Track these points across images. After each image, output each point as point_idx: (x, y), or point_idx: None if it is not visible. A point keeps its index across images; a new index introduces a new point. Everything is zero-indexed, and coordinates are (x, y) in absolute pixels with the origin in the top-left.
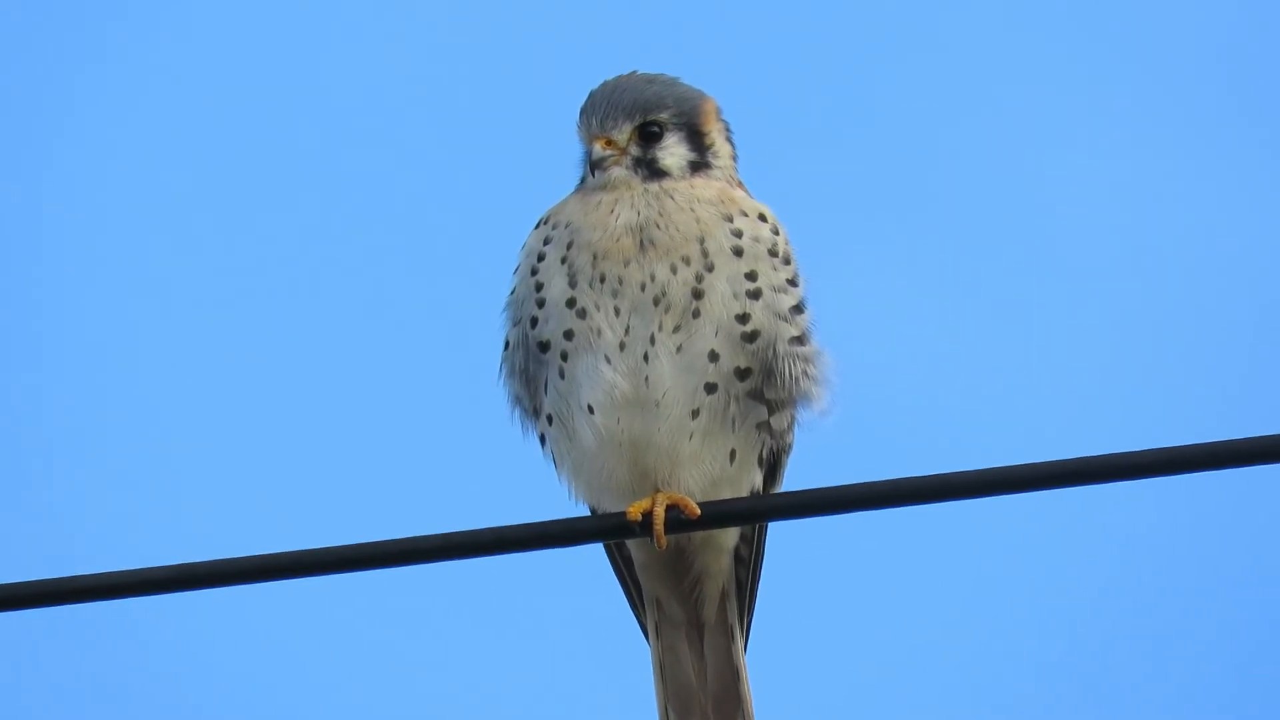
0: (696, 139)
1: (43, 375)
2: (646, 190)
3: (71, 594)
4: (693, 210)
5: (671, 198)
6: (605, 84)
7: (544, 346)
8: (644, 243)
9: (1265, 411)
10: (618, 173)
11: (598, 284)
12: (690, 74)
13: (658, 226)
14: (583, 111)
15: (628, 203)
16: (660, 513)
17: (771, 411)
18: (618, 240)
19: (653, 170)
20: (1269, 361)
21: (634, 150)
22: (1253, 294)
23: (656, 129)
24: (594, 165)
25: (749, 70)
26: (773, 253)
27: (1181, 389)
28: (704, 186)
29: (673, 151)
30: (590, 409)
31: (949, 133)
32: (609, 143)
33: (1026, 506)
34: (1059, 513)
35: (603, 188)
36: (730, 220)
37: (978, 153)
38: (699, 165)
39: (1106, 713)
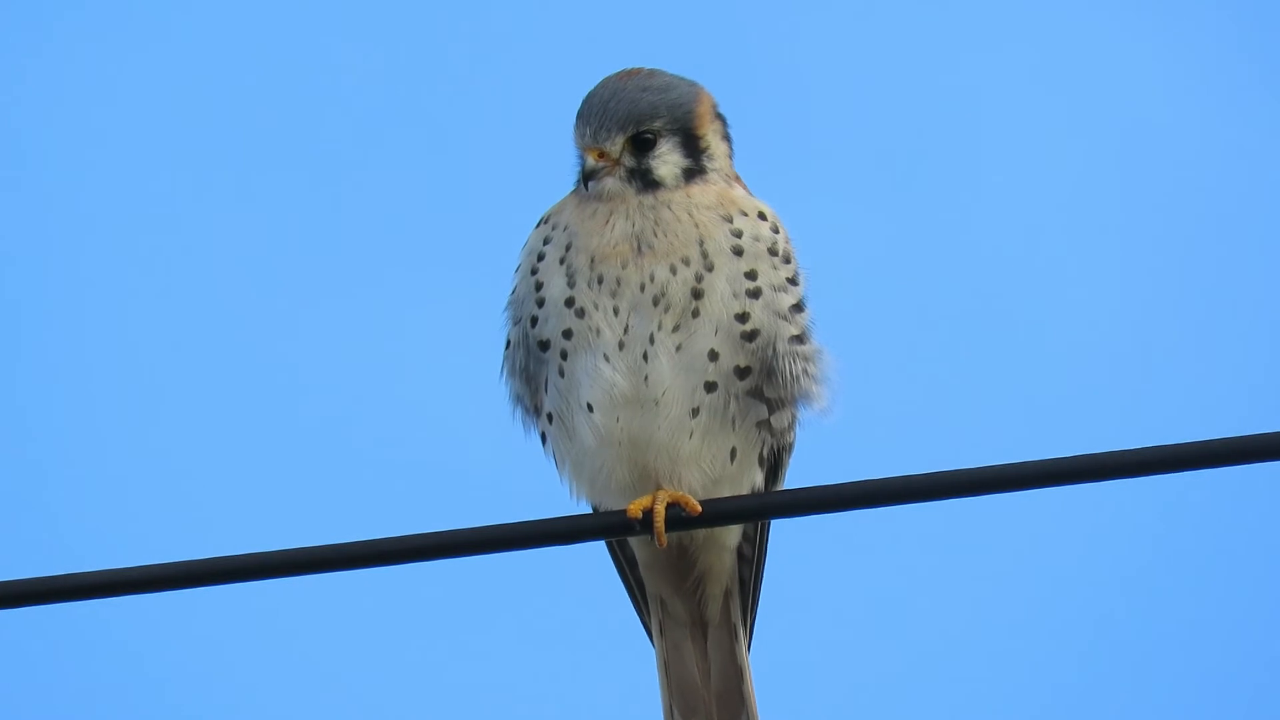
0: (691, 143)
1: (41, 374)
2: (641, 203)
3: (69, 592)
4: (690, 216)
5: (668, 208)
6: (600, 90)
7: (544, 345)
8: (641, 248)
9: (1266, 409)
10: (611, 184)
11: (595, 284)
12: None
13: (655, 235)
14: (577, 119)
15: (623, 214)
16: (660, 510)
17: (771, 410)
18: (615, 246)
19: (646, 181)
20: (1268, 360)
21: (627, 161)
22: (1254, 292)
23: (650, 136)
24: (586, 177)
25: (740, 57)
26: (773, 251)
27: (1183, 387)
28: (700, 193)
29: (666, 160)
30: (589, 407)
31: (941, 146)
32: (602, 154)
33: (1030, 504)
34: (1063, 510)
35: (597, 198)
36: (730, 220)
37: (968, 157)
38: (694, 171)
39: (1109, 711)
